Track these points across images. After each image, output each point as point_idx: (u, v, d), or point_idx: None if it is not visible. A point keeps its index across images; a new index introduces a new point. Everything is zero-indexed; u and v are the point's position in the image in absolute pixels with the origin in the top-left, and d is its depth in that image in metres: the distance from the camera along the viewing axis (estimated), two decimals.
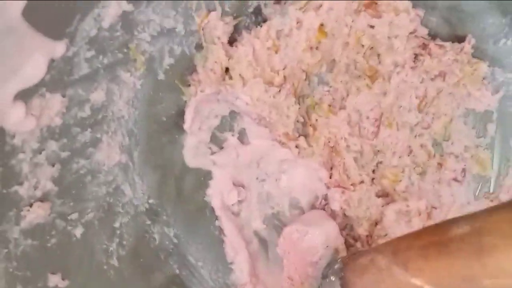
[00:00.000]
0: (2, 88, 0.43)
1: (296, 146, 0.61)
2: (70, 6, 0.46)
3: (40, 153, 0.50)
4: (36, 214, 0.51)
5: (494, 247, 0.38)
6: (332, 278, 0.53)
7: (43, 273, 0.52)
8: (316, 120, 0.61)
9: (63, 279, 0.53)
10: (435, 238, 0.43)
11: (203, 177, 0.62)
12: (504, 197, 0.60)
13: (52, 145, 0.51)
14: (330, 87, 0.61)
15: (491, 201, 0.61)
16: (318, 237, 0.57)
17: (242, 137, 0.63)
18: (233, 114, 0.62)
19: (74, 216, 0.54)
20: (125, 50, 0.53)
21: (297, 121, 0.61)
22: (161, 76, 0.57)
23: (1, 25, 0.41)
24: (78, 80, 0.50)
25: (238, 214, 0.64)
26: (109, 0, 0.47)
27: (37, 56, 0.44)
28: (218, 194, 0.63)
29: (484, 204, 0.61)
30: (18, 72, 0.43)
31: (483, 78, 0.59)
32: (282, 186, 0.64)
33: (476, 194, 0.61)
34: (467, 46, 0.58)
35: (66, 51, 0.47)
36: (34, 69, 0.44)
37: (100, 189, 0.56)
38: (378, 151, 0.61)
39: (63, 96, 0.50)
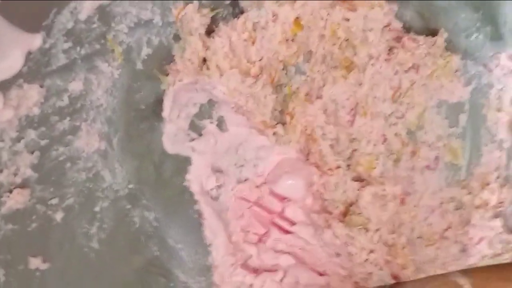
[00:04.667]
0: None
1: (274, 134, 0.62)
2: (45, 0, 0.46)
3: (19, 141, 0.51)
4: (16, 200, 0.52)
5: None
6: None
7: (24, 256, 0.54)
8: (293, 108, 0.62)
9: (43, 261, 0.55)
10: None
11: (182, 163, 0.64)
12: (474, 185, 0.62)
13: (31, 134, 0.52)
14: (307, 76, 0.62)
15: (462, 188, 0.62)
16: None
17: (220, 125, 0.64)
18: (212, 102, 0.63)
19: (54, 201, 0.55)
20: (103, 41, 0.54)
21: (275, 110, 0.62)
22: (139, 66, 0.58)
23: None
24: (55, 71, 0.51)
25: (217, 198, 0.65)
26: None
27: (14, 49, 0.45)
28: (197, 179, 0.64)
29: (455, 191, 0.62)
30: None
31: (456, 71, 0.60)
32: (259, 171, 0.65)
33: (448, 181, 0.62)
34: (440, 39, 0.59)
35: (43, 43, 0.48)
36: (11, 62, 0.45)
37: (79, 175, 0.57)
38: (354, 139, 0.63)
39: (41, 86, 0.51)
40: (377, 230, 0.60)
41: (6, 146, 0.50)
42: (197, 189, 0.64)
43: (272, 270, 0.63)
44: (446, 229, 0.62)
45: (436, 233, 0.62)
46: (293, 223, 0.63)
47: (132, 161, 0.61)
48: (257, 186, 0.64)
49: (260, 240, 0.64)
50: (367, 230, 0.60)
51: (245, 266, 0.63)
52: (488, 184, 0.62)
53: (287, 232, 0.63)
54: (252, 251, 0.63)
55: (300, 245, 0.62)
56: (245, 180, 0.65)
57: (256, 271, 0.63)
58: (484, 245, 0.61)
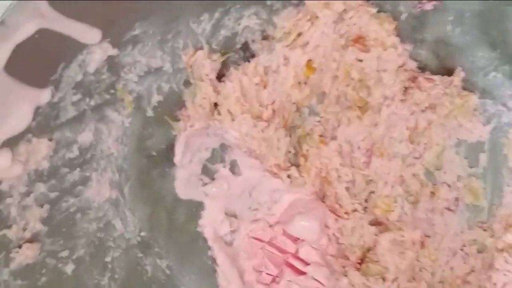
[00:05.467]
0: None
1: (288, 176, 0.61)
2: (53, 55, 0.46)
3: (28, 195, 0.51)
4: (25, 255, 0.51)
5: None
6: None
7: None
8: (307, 150, 0.61)
9: None
10: None
11: (195, 208, 0.63)
12: (497, 227, 0.60)
13: (40, 187, 0.51)
14: (321, 117, 0.61)
15: (485, 230, 0.60)
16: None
17: (233, 168, 0.63)
18: (224, 146, 0.62)
19: (65, 253, 0.54)
20: (112, 91, 0.53)
21: (288, 152, 0.61)
22: (150, 113, 0.57)
23: None
24: (65, 123, 0.51)
25: (231, 243, 0.64)
26: (93, 47, 0.48)
27: (22, 106, 0.44)
28: (210, 224, 0.63)
29: (477, 234, 0.60)
30: (3, 124, 0.44)
31: (474, 110, 0.59)
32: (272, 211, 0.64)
33: (470, 223, 0.61)
34: (457, 79, 0.57)
35: (52, 97, 0.48)
36: (19, 119, 0.45)
37: (90, 225, 0.56)
38: (370, 180, 0.61)
39: (50, 139, 0.50)
40: (395, 279, 0.58)
41: (15, 201, 0.50)
42: (210, 234, 0.63)
43: None
44: (468, 273, 0.59)
45: (458, 277, 0.59)
46: (307, 264, 0.61)
47: (144, 208, 0.60)
48: (270, 226, 0.63)
49: (273, 281, 0.62)
50: (384, 279, 0.58)
51: None
52: (511, 226, 0.59)
53: (301, 272, 0.61)
54: None
55: (314, 286, 0.61)
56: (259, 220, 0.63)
57: None
58: None
